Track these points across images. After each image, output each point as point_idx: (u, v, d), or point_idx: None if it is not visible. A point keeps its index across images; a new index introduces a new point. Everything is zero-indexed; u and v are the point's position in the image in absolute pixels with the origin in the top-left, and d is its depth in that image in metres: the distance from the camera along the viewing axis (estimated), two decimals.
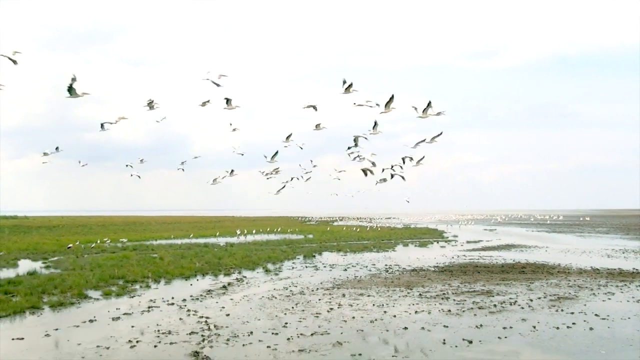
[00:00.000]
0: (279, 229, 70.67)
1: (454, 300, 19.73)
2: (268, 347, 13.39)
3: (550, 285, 23.64)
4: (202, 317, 16.84)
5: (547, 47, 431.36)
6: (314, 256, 36.88)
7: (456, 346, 13.40)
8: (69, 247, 39.97)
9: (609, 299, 20.04)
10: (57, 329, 15.22)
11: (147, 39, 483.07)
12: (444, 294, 21.05)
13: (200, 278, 25.83)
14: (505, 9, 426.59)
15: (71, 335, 14.53)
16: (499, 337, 14.33)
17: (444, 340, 13.95)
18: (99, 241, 44.24)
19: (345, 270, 29.26)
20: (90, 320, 16.33)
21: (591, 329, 15.28)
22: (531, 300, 19.64)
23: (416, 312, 17.52)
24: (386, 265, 31.71)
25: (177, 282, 24.58)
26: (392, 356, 12.67)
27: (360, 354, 12.75)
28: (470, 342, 13.77)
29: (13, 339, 14.15)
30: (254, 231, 63.66)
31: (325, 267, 30.84)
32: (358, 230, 67.90)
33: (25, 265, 30.02)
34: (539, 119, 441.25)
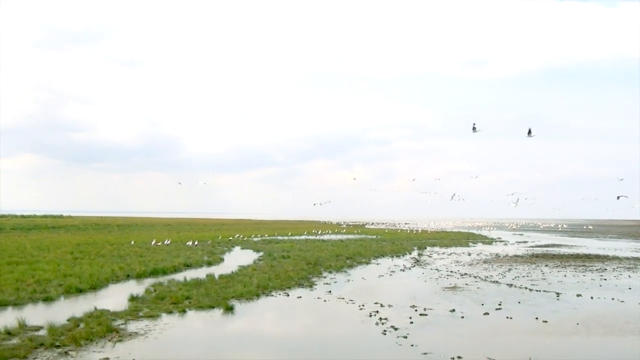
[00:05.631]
0: (343, 230, 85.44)
1: (573, 268, 34.94)
2: (497, 282, 28.24)
3: (614, 263, 39.01)
4: (436, 269, 31.70)
5: (538, 58, 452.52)
6: (425, 248, 51.95)
7: (600, 285, 28.29)
8: (230, 240, 54.41)
9: None
10: (348, 280, 29.99)
11: (139, 40, 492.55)
12: (559, 266, 36.23)
13: (386, 258, 40.72)
14: (498, 19, 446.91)
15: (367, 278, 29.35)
16: (614, 277, 29.48)
17: (591, 280, 29.02)
18: (236, 236, 58.57)
19: (469, 255, 44.40)
20: (380, 276, 31.11)
21: None
22: (613, 270, 34.85)
23: (565, 275, 32.58)
24: (490, 253, 46.85)
25: (383, 259, 39.47)
26: (577, 294, 27.58)
27: (548, 290, 27.67)
28: (600, 285, 28.75)
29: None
30: (328, 232, 78.32)
31: (450, 255, 45.87)
32: (416, 232, 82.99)
33: (251, 246, 44.54)
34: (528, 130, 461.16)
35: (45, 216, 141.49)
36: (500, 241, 70.42)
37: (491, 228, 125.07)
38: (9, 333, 14.65)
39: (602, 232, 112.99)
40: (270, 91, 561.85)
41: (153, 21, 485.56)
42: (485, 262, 38.84)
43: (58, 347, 13.41)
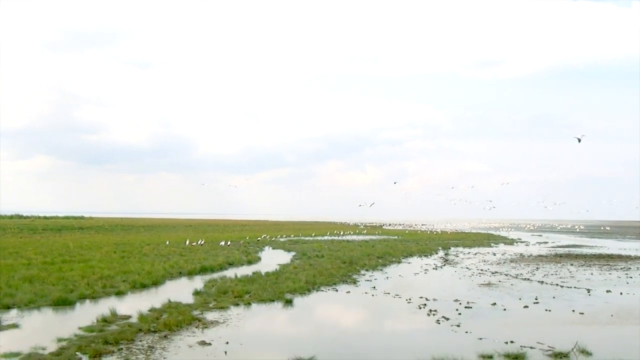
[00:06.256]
0: (364, 231, 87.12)
1: (598, 267, 36.37)
2: (528, 279, 29.77)
3: (637, 262, 40.33)
4: (467, 267, 33.29)
5: (550, 58, 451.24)
6: (450, 248, 53.49)
7: (627, 282, 29.70)
8: (258, 240, 56.34)
9: None
10: (386, 277, 31.67)
11: (152, 42, 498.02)
12: (584, 265, 37.66)
13: (415, 258, 42.36)
14: (510, 18, 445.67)
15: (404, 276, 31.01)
16: (639, 275, 30.95)
17: (617, 278, 30.47)
18: (263, 236, 60.45)
19: (494, 255, 45.90)
20: (415, 274, 32.75)
21: None
22: (637, 268, 36.21)
23: (592, 273, 34.02)
24: (514, 253, 48.30)
25: (413, 259, 41.14)
26: (607, 290, 29.06)
27: (578, 287, 29.18)
28: (627, 282, 30.19)
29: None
30: (349, 232, 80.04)
31: (475, 254, 47.38)
32: (436, 233, 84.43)
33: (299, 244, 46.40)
34: (540, 130, 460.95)
35: (66, 217, 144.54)
36: (521, 242, 71.69)
37: (509, 229, 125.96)
38: (106, 320, 16.54)
39: (621, 233, 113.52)
40: (281, 92, 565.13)
41: (165, 23, 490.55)
42: (511, 261, 40.32)
43: (155, 332, 15.26)
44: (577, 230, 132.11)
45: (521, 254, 47.60)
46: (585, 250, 54.62)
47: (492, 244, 64.33)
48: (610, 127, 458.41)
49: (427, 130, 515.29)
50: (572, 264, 38.38)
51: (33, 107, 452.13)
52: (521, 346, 14.14)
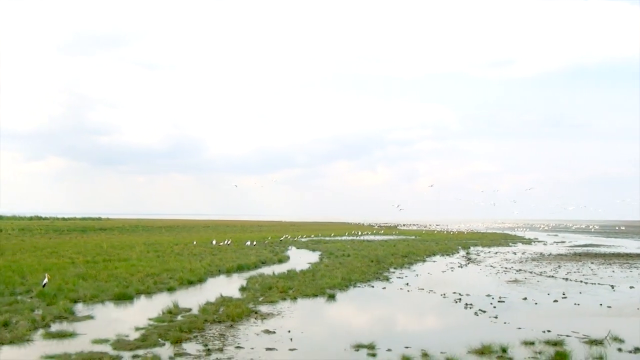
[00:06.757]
0: (381, 231, 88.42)
1: (618, 265, 37.49)
2: (554, 277, 31.00)
3: None
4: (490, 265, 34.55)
5: (561, 57, 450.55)
6: (469, 248, 54.74)
7: None
8: (281, 240, 57.86)
9: None
10: (416, 275, 33.00)
11: (163, 43, 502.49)
12: (604, 263, 38.78)
13: (438, 257, 43.70)
14: (522, 18, 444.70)
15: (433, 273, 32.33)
16: None
17: (639, 275, 31.63)
18: (284, 236, 61.97)
19: (515, 254, 47.10)
20: (443, 271, 34.09)
21: None
22: None
23: (613, 270, 35.17)
24: (533, 252, 49.44)
25: (436, 258, 42.49)
26: (630, 286, 30.24)
27: (602, 283, 30.35)
28: None
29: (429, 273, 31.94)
30: (367, 233, 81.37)
31: (496, 254, 48.59)
32: (452, 233, 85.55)
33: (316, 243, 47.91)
34: (551, 129, 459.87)
35: (84, 218, 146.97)
36: (539, 241, 72.71)
37: (524, 229, 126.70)
38: (171, 312, 18.08)
39: (636, 233, 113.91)
40: (292, 93, 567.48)
41: (176, 25, 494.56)
42: (533, 260, 41.51)
43: (220, 322, 16.76)
44: (592, 230, 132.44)
45: (541, 253, 48.73)
46: (603, 250, 55.58)
47: (510, 244, 65.39)
48: (621, 126, 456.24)
49: (437, 131, 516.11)
50: (592, 263, 39.50)
51: (46, 109, 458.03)
52: (558, 335, 15.46)
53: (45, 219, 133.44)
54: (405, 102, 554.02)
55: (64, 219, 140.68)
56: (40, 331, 15.33)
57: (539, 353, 13.52)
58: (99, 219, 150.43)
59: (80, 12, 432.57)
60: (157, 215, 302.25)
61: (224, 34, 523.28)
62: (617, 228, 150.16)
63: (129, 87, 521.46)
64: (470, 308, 19.90)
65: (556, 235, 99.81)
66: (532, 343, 14.52)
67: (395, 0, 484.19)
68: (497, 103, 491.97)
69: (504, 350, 13.56)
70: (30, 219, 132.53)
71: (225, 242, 51.34)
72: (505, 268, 34.65)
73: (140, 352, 13.23)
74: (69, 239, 57.85)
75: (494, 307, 20.18)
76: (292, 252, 46.96)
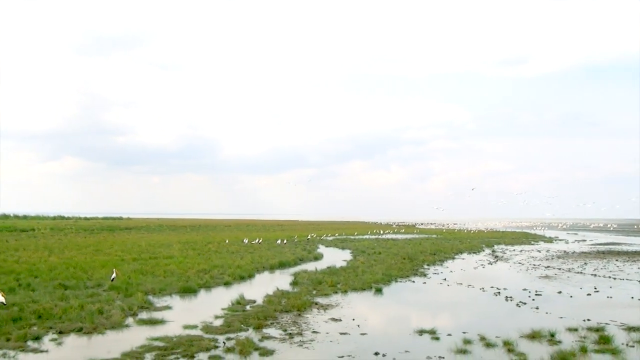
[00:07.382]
0: (402, 230, 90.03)
1: None
2: (579, 273, 32.49)
3: None
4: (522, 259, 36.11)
5: (577, 55, 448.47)
6: (493, 246, 56.25)
7: None
8: (308, 239, 59.72)
9: None
10: (450, 271, 34.61)
11: (178, 45, 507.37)
12: (629, 260, 40.15)
13: (465, 254, 45.29)
14: (536, 15, 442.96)
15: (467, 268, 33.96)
16: None
17: None
18: (310, 235, 63.83)
19: (539, 252, 48.56)
20: (475, 268, 35.71)
21: None
22: None
23: (639, 267, 36.58)
24: (557, 250, 50.84)
25: (464, 255, 44.09)
26: None
27: (629, 279, 31.80)
28: None
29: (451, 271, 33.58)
30: (388, 232, 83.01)
31: (520, 251, 50.06)
32: (473, 232, 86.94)
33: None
34: (568, 128, 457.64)
35: (105, 218, 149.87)
36: (560, 240, 73.93)
37: (543, 228, 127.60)
38: (239, 303, 19.95)
39: None
40: (305, 93, 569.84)
41: (190, 26, 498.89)
42: (558, 257, 42.98)
43: (288, 312, 18.60)
44: (611, 228, 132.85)
45: (565, 251, 50.11)
46: (625, 248, 56.79)
47: (532, 242, 66.70)
48: (638, 123, 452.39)
49: (451, 130, 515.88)
50: (617, 260, 40.87)
51: (62, 109, 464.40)
52: (597, 323, 17.12)
53: (68, 218, 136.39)
54: (419, 102, 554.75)
55: (86, 218, 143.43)
56: (130, 319, 17.27)
57: (584, 337, 15.18)
58: (120, 218, 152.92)
59: (96, 14, 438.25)
60: (172, 215, 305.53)
61: (238, 35, 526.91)
62: (635, 227, 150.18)
63: (144, 87, 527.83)
64: (511, 300, 21.58)
65: (576, 234, 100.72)
66: (576, 329, 16.18)
67: (408, 0, 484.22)
68: (511, 102, 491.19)
69: (552, 335, 15.24)
70: (54, 218, 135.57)
71: (257, 240, 53.28)
72: (534, 265, 36.20)
73: (232, 335, 15.10)
74: (103, 238, 60.14)
75: (533, 299, 21.82)
76: (324, 250, 48.77)
